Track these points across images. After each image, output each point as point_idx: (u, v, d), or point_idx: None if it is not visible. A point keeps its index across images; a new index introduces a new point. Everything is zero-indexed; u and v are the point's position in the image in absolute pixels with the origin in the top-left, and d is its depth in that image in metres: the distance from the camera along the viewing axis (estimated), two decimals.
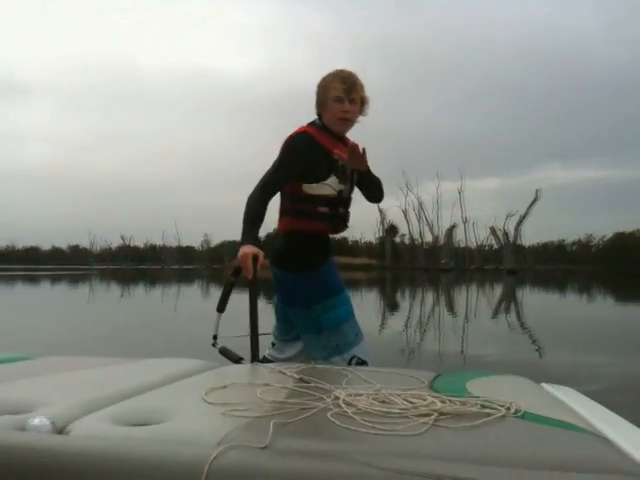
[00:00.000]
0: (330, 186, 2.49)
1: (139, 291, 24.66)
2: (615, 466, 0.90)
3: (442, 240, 76.46)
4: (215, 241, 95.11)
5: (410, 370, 1.65)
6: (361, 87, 2.58)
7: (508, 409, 1.14)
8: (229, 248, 78.75)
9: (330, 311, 2.49)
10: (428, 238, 77.03)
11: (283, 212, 2.53)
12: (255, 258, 2.21)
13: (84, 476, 0.88)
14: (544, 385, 1.56)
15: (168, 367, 1.60)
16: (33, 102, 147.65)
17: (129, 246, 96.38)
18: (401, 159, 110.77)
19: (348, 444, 0.95)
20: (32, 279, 36.99)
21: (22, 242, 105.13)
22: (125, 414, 1.08)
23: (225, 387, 1.32)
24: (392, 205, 74.86)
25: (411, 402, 1.17)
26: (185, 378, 1.46)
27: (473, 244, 77.97)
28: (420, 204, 75.91)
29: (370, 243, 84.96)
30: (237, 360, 2.14)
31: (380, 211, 77.22)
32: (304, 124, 2.58)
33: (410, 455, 0.90)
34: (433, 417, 1.08)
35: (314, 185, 2.46)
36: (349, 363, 2.42)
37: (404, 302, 17.82)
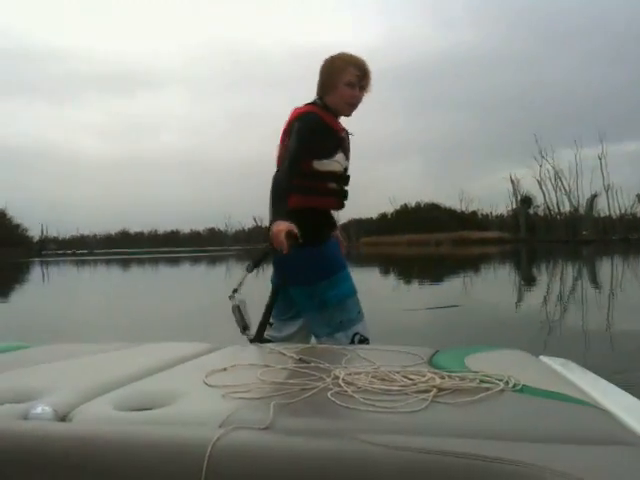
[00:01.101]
0: (338, 162, 2.57)
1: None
2: (614, 437, 0.89)
3: (582, 210, 71.56)
4: (344, 220, 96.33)
5: (409, 347, 1.64)
6: (370, 75, 2.66)
7: (507, 383, 1.14)
8: (357, 227, 79.29)
9: (335, 288, 2.53)
10: (566, 208, 72.47)
11: (290, 189, 2.49)
12: (289, 234, 2.21)
13: (88, 462, 0.89)
14: (543, 358, 1.56)
15: (169, 351, 1.61)
16: (166, 92, 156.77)
17: (261, 227, 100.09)
18: (534, 126, 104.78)
19: (348, 422, 0.97)
20: (174, 260, 39.42)
21: (164, 227, 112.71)
22: (127, 399, 1.08)
23: (225, 370, 1.32)
24: (525, 175, 71.08)
25: (410, 379, 1.18)
26: (186, 361, 1.47)
27: (616, 213, 72.06)
28: (556, 172, 71.40)
29: (502, 216, 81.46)
30: (243, 329, 2.20)
31: (512, 182, 73.77)
32: (304, 104, 2.64)
33: (410, 431, 0.90)
34: (432, 393, 1.09)
35: (325, 161, 2.53)
36: (352, 340, 2.48)
37: (546, 277, 16.78)
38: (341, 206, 2.67)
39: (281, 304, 2.59)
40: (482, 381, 1.15)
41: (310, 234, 2.43)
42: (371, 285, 13.08)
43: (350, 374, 1.20)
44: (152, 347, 1.71)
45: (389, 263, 29.11)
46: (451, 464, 0.79)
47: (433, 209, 76.76)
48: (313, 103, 2.62)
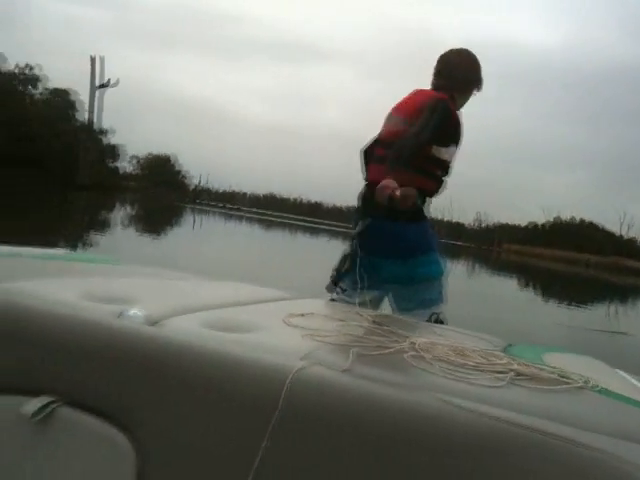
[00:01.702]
0: (450, 154, 2.65)
1: None
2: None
3: None
4: (488, 221, 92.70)
5: (484, 334, 1.57)
6: None
7: (586, 382, 1.09)
8: (502, 232, 76.04)
9: (426, 265, 2.60)
10: None
11: (413, 166, 2.50)
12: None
13: (173, 368, 0.92)
14: (618, 371, 1.49)
15: (252, 290, 1.66)
16: (333, 66, 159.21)
17: None
18: None
19: (426, 383, 0.95)
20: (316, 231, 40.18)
21: (308, 197, 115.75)
22: (213, 320, 1.10)
23: (303, 315, 1.31)
24: None
25: (487, 359, 1.15)
26: (268, 302, 1.49)
27: None
28: None
29: None
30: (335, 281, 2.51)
31: None
32: (437, 92, 2.69)
33: (487, 402, 0.87)
34: (509, 375, 1.05)
35: (442, 149, 2.60)
36: (429, 319, 2.46)
37: None
38: (436, 194, 2.73)
39: (359, 273, 2.59)
40: (561, 376, 1.09)
41: (414, 211, 2.50)
42: (527, 297, 12.19)
43: (427, 342, 1.18)
44: (237, 285, 1.75)
45: (539, 276, 27.37)
46: (530, 439, 0.78)
47: (588, 227, 71.61)
48: (450, 96, 2.67)
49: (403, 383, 0.91)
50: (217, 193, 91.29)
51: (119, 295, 1.16)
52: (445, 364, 1.05)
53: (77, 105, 45.52)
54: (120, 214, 25.09)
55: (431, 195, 2.69)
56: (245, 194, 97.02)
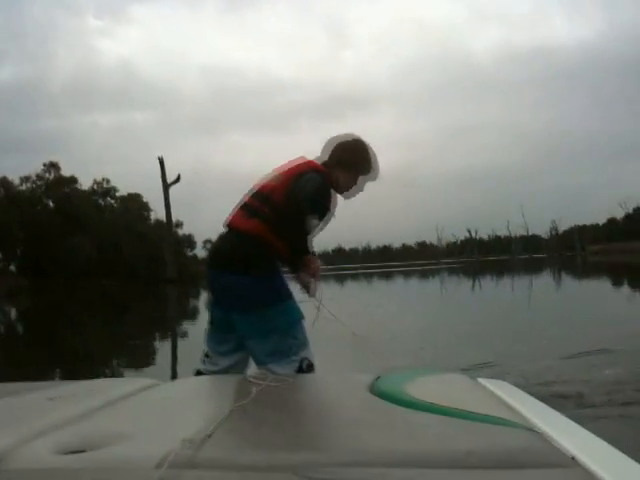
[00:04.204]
0: (313, 225, 2.53)
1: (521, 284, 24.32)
2: (546, 459, 0.89)
3: None
4: (563, 227, 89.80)
5: (351, 375, 1.66)
6: None
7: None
8: (581, 235, 73.69)
9: (285, 314, 2.53)
10: None
11: (261, 216, 2.51)
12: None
13: None
14: (480, 380, 1.55)
15: (104, 389, 1.54)
16: (375, 112, 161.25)
17: (474, 239, 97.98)
18: None
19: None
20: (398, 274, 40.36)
21: (376, 242, 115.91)
22: (63, 442, 1.02)
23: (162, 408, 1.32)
24: None
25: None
26: (128, 396, 1.41)
27: None
28: None
29: None
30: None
31: None
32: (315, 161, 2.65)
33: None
34: None
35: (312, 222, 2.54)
36: (300, 364, 2.47)
37: None
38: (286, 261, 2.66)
39: (220, 335, 2.61)
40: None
41: (270, 261, 2.53)
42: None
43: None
44: (92, 385, 1.64)
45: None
46: None
47: None
48: (327, 171, 2.61)
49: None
50: None
51: None
52: None
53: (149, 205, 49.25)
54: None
55: (280, 251, 2.56)
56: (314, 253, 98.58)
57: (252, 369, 2.57)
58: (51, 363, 8.65)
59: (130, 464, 0.89)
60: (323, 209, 2.53)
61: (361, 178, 2.70)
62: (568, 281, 25.30)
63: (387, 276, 41.07)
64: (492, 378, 1.61)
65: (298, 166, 2.58)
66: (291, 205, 2.42)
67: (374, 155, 2.73)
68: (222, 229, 2.65)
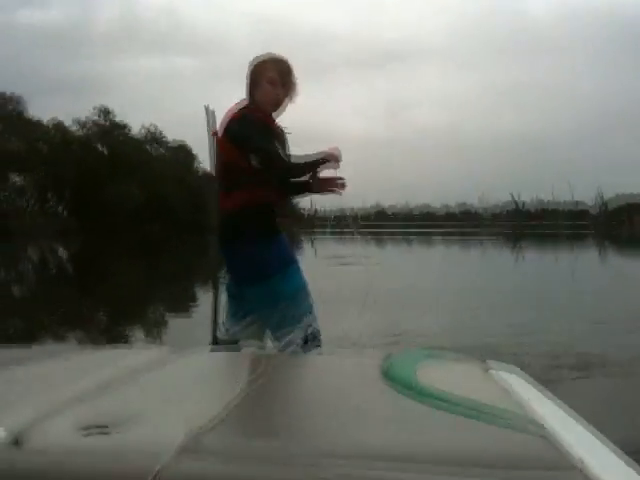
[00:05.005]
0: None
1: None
2: (552, 462, 0.85)
3: None
4: (609, 194, 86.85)
5: (362, 353, 1.63)
6: (293, 73, 2.72)
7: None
8: (627, 204, 70.99)
9: (288, 280, 2.58)
10: None
11: (235, 186, 2.60)
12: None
13: None
14: (490, 363, 1.50)
15: (125, 359, 1.52)
16: (414, 69, 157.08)
17: (519, 206, 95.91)
18: None
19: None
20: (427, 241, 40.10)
21: (415, 202, 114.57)
22: (86, 418, 1.00)
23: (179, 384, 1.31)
24: None
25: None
26: (149, 370, 1.39)
27: None
28: None
29: None
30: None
31: None
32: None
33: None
34: None
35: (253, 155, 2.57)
36: (305, 332, 2.52)
37: None
38: (282, 202, 2.77)
39: (232, 305, 2.73)
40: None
41: (264, 228, 2.58)
42: None
43: None
44: (107, 354, 1.63)
45: None
46: None
47: None
48: (245, 107, 2.69)
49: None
50: (327, 217, 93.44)
51: None
52: None
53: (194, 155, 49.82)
54: None
55: (276, 205, 2.67)
56: (355, 213, 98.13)
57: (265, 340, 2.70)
58: (82, 314, 8.93)
59: (149, 446, 0.88)
60: (254, 140, 2.59)
61: (266, 87, 2.69)
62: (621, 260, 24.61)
63: (428, 242, 40.78)
64: (503, 362, 1.58)
65: (224, 128, 2.67)
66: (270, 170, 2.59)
67: (262, 59, 2.73)
68: None
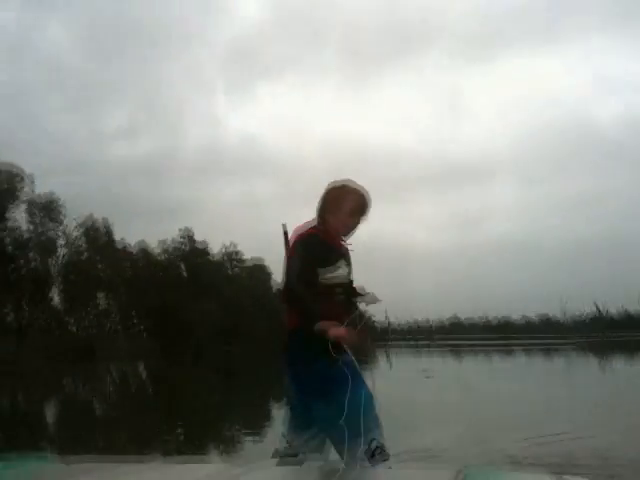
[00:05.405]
0: (342, 272, 2.77)
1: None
2: None
3: None
4: None
5: (432, 465, 1.39)
6: (370, 205, 2.88)
7: None
8: None
9: (355, 394, 2.58)
10: None
11: (297, 309, 2.73)
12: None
13: None
14: (566, 477, 1.37)
15: (190, 473, 1.48)
16: (493, 183, 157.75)
17: (602, 314, 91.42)
18: None
19: None
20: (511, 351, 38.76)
21: (494, 313, 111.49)
22: None
23: None
24: None
25: None
26: None
27: None
28: None
29: None
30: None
31: None
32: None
33: None
34: None
35: (322, 270, 2.73)
36: (369, 446, 2.53)
37: None
38: (348, 317, 2.74)
39: (295, 420, 2.79)
40: None
41: (328, 346, 2.60)
42: None
43: None
44: (176, 470, 1.59)
45: None
46: None
47: None
48: (315, 227, 2.85)
49: None
50: (403, 329, 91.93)
51: None
52: None
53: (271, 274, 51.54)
54: None
55: (343, 320, 2.68)
56: (429, 323, 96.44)
57: (331, 453, 2.74)
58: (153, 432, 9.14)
59: None
60: (328, 258, 2.74)
61: (344, 215, 2.87)
62: None
63: (508, 353, 39.34)
64: (578, 476, 1.54)
65: (292, 246, 2.83)
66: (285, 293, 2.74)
67: (347, 190, 2.90)
68: None
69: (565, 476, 1.48)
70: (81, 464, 1.58)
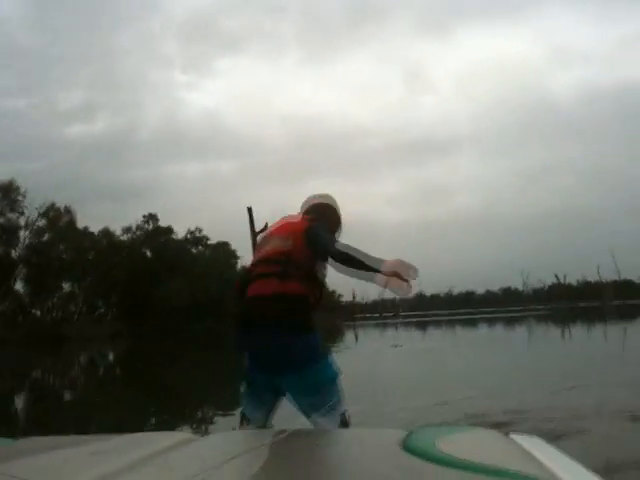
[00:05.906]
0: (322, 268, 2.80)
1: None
2: None
3: None
4: None
5: (382, 430, 1.68)
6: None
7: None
8: None
9: (327, 369, 2.64)
10: None
11: (305, 278, 2.66)
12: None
13: None
14: (513, 436, 1.50)
15: (143, 443, 1.52)
16: (454, 156, 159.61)
17: (562, 284, 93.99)
18: None
19: None
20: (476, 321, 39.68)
21: (458, 288, 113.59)
22: None
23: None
24: None
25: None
26: (157, 455, 1.37)
27: None
28: None
29: None
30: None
31: None
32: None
33: None
34: None
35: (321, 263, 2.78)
36: (342, 417, 2.61)
37: None
38: (318, 307, 2.81)
39: (255, 399, 2.73)
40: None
41: (312, 320, 2.65)
42: None
43: None
44: (132, 439, 1.61)
45: None
46: None
47: None
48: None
49: None
50: (368, 304, 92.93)
51: None
52: None
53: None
54: None
55: (315, 307, 2.71)
56: (394, 298, 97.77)
57: (301, 422, 2.68)
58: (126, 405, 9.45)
59: None
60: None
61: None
62: None
63: (471, 323, 40.39)
64: (524, 434, 1.58)
65: (300, 226, 2.79)
66: (326, 254, 2.65)
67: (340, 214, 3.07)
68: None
69: (512, 435, 1.54)
70: (32, 442, 1.62)
